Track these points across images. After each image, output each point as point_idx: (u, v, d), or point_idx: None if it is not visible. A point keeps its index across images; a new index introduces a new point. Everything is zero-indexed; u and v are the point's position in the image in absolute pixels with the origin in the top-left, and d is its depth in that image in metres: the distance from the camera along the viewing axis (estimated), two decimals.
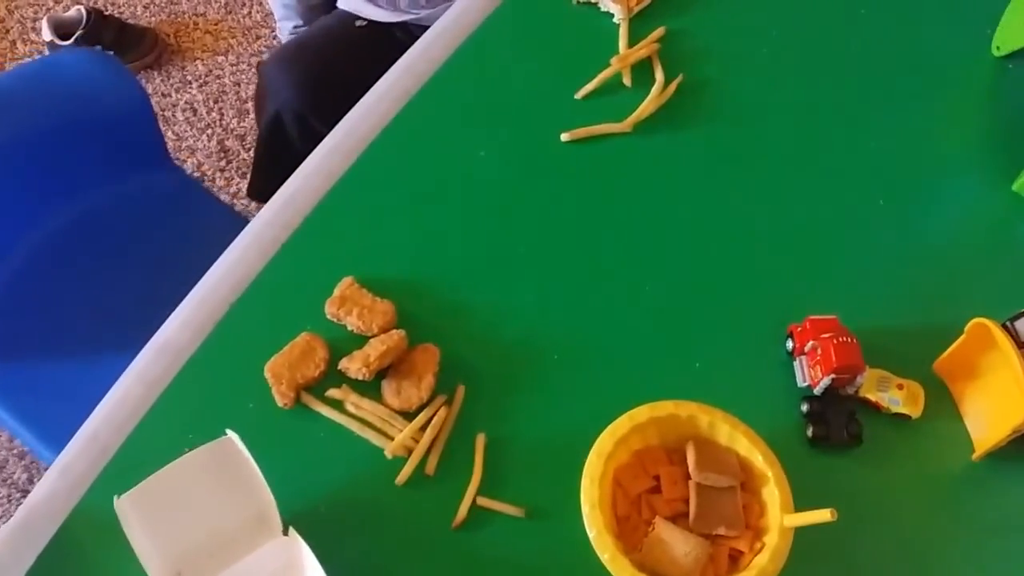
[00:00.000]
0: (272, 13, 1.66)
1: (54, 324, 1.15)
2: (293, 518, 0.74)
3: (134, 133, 1.15)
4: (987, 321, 0.79)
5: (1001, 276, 0.93)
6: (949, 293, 0.92)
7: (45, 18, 1.78)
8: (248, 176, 1.55)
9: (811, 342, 0.84)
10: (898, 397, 0.84)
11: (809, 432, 0.83)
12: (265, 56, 1.84)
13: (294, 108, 1.23)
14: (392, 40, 1.27)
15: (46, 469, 0.81)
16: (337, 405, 0.83)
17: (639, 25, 1.08)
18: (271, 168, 1.36)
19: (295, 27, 1.42)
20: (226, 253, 0.92)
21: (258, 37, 1.88)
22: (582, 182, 0.99)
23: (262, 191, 1.46)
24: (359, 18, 1.28)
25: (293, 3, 1.32)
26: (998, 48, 1.07)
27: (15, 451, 1.47)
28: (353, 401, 0.82)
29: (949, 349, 0.85)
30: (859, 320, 0.86)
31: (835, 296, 0.91)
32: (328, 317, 0.87)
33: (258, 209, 1.00)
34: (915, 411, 0.84)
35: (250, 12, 1.90)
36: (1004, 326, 0.79)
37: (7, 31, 1.85)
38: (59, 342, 1.14)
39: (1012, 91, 1.06)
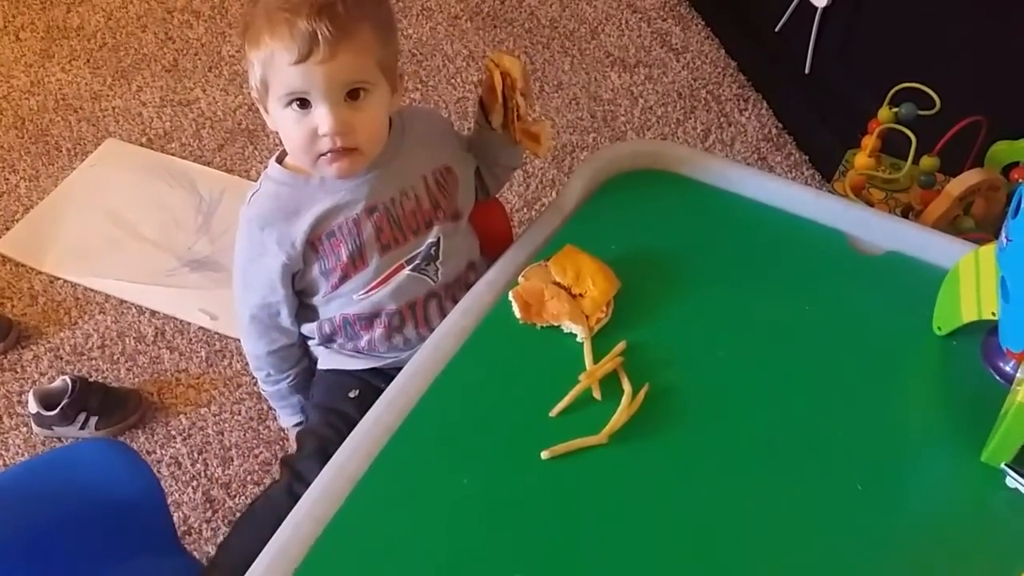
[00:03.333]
0: (264, 400, 1.75)
1: None
2: None
3: (146, 521, 1.16)
4: None
5: (991, 547, 0.95)
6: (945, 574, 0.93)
7: (31, 392, 1.84)
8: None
9: None
10: None
11: None
12: (247, 403, 1.90)
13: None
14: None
15: None
16: None
17: (601, 342, 1.14)
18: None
19: (296, 424, 1.49)
20: None
21: (239, 386, 1.93)
22: (566, 496, 1.01)
23: None
24: (350, 389, 1.34)
25: (288, 395, 1.41)
26: (939, 328, 1.14)
27: None
28: None
29: None
30: None
31: None
32: None
33: None
34: None
35: (231, 363, 1.97)
36: None
37: None
38: None
39: (960, 366, 1.12)
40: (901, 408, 1.09)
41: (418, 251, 1.28)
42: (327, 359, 1.38)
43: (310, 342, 1.39)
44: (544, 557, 0.95)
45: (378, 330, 1.32)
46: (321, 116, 1.13)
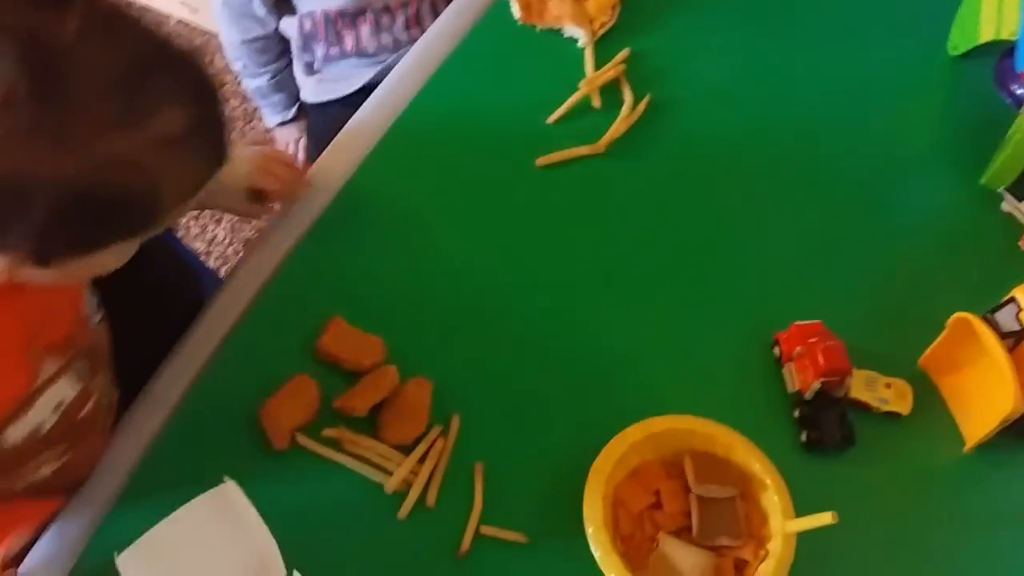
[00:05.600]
0: (250, 99, 1.70)
1: None
2: (296, 562, 0.74)
3: None
4: (968, 315, 0.81)
5: (978, 268, 0.95)
6: (929, 290, 0.94)
7: None
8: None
9: (798, 348, 0.85)
10: (887, 396, 0.85)
11: (803, 437, 0.84)
12: (231, 103, 1.85)
13: None
14: None
15: None
16: (333, 444, 0.82)
17: (604, 48, 1.09)
18: None
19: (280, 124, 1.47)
20: (211, 303, 0.92)
21: (223, 84, 1.87)
22: (560, 205, 1.00)
23: None
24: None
25: (269, 92, 1.38)
26: (954, 48, 1.10)
27: None
28: (350, 439, 0.82)
29: (933, 345, 0.86)
30: (843, 323, 0.87)
31: (817, 301, 0.92)
32: (318, 357, 0.87)
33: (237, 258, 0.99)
34: (904, 408, 0.85)
35: (212, 60, 1.90)
36: (985, 318, 0.80)
37: None
38: None
39: (971, 88, 1.09)
40: (907, 126, 1.06)
41: None
42: (316, 90, 1.33)
43: (293, 47, 1.33)
44: (534, 263, 0.95)
45: (364, 27, 1.26)
46: None
